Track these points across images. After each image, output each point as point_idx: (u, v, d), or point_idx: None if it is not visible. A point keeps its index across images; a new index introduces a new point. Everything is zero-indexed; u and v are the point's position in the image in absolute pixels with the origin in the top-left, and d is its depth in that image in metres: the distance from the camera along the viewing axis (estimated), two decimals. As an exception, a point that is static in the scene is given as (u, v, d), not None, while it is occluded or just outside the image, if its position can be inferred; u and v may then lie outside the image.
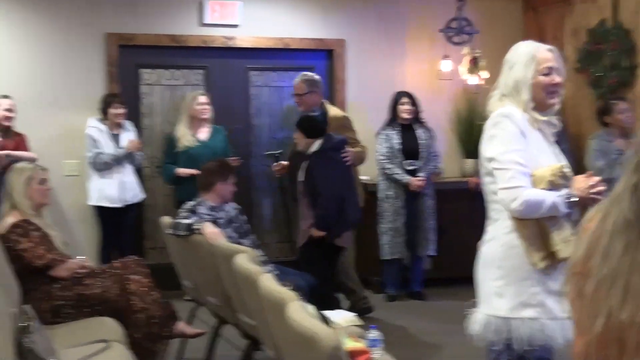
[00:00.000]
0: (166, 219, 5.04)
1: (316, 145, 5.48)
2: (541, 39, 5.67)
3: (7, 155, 5.85)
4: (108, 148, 6.31)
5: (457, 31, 7.32)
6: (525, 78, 3.00)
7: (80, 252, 5.94)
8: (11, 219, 4.45)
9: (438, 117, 7.53)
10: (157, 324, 4.32)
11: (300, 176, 5.52)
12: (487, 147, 3.01)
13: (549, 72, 3.01)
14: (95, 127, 6.34)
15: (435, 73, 7.56)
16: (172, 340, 4.54)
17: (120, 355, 3.75)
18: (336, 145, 5.59)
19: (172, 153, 6.54)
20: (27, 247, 4.35)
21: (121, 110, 6.39)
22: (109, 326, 4.16)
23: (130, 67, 6.89)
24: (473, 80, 7.36)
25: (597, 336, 1.33)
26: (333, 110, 6.30)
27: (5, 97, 6.20)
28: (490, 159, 2.97)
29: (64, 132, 6.67)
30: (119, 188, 6.33)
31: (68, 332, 4.11)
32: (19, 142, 6.24)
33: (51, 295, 4.33)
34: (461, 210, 7.07)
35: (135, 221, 6.68)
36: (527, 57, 3.03)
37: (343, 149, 5.64)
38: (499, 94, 3.09)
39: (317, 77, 6.35)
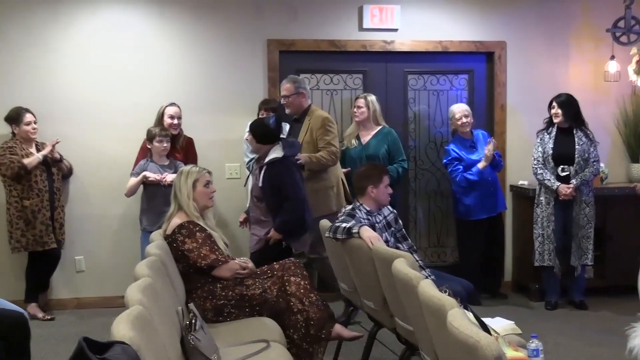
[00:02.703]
0: (325, 222, 5.08)
1: (278, 151, 5.49)
2: None
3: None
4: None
5: (625, 30, 7.00)
6: None
7: (241, 253, 6.13)
8: (177, 220, 4.61)
9: (603, 120, 7.26)
10: (314, 326, 4.36)
11: (257, 181, 5.52)
12: None
13: None
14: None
15: (600, 74, 7.27)
16: (329, 342, 4.57)
17: (280, 355, 3.81)
18: (294, 151, 5.67)
19: (341, 151, 6.63)
20: (192, 248, 4.50)
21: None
22: (269, 326, 4.24)
23: (291, 72, 7.00)
24: (641, 81, 7.04)
25: None
26: (318, 112, 6.21)
27: (172, 104, 6.45)
28: None
29: (226, 136, 6.87)
30: None
31: (229, 330, 4.22)
32: (188, 146, 6.47)
33: (214, 294, 4.45)
34: (627, 217, 6.79)
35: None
36: None
37: (297, 155, 5.73)
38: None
39: (301, 79, 6.32)
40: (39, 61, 6.68)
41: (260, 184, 5.51)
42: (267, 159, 5.49)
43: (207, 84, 6.93)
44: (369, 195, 4.91)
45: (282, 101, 6.23)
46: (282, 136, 5.78)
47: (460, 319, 2.55)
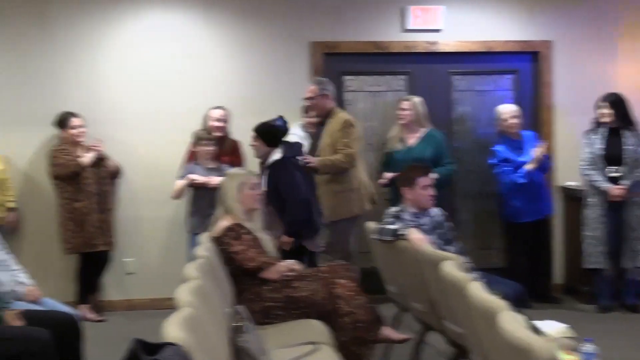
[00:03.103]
0: (371, 224, 5.07)
1: (277, 153, 5.51)
2: None
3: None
4: None
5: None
6: None
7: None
8: (225, 222, 4.65)
9: (654, 120, 7.15)
10: (363, 328, 4.36)
11: (263, 185, 5.44)
12: None
13: None
14: (296, 134, 6.49)
15: (650, 73, 7.17)
16: (377, 344, 4.56)
17: (329, 358, 3.81)
18: (295, 152, 5.66)
19: (384, 155, 6.60)
20: (239, 250, 4.52)
21: (315, 119, 6.48)
22: (317, 328, 4.24)
23: (334, 75, 7.01)
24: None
25: None
26: (340, 114, 6.13)
27: (218, 107, 6.49)
28: None
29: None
30: None
31: (278, 333, 4.23)
32: (234, 149, 6.50)
33: (262, 296, 4.47)
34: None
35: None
36: None
37: (300, 154, 5.72)
38: None
39: (327, 80, 6.24)
40: (87, 64, 6.79)
41: (264, 188, 5.51)
42: (268, 162, 5.56)
43: (251, 87, 6.96)
44: (407, 198, 4.91)
45: (306, 103, 6.21)
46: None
47: (512, 322, 2.53)
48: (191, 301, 3.04)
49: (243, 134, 6.65)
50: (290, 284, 4.52)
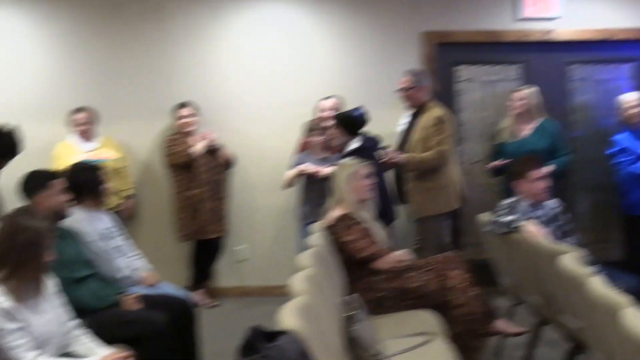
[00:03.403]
0: (485, 216, 5.00)
1: (355, 143, 5.58)
2: None
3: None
4: None
5: None
6: None
7: (400, 245, 6.09)
8: (336, 212, 4.66)
9: None
10: (476, 320, 4.29)
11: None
12: None
13: None
14: (402, 125, 6.44)
15: None
16: (490, 337, 4.49)
17: (442, 350, 3.77)
18: (372, 144, 5.70)
19: (494, 146, 6.49)
20: (350, 240, 4.53)
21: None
22: (430, 320, 4.21)
23: (446, 65, 6.93)
24: None
25: None
26: (434, 109, 5.87)
27: (329, 97, 6.51)
28: None
29: (381, 129, 6.85)
30: None
31: (390, 323, 4.22)
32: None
33: (374, 286, 4.47)
34: None
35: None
36: None
37: (376, 148, 5.73)
38: None
39: (424, 72, 6.05)
40: (201, 56, 6.93)
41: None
42: (346, 151, 5.58)
43: (362, 77, 6.95)
44: (519, 189, 4.81)
45: (400, 94, 6.04)
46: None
47: (636, 318, 2.44)
48: (305, 289, 3.06)
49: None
50: (403, 274, 4.50)
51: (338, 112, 5.86)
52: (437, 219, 5.88)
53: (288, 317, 2.62)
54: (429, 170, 5.78)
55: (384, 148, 6.03)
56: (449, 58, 6.97)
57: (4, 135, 4.84)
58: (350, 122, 5.74)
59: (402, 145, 5.96)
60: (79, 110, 6.54)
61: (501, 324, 4.42)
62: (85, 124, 6.52)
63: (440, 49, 6.96)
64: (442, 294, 4.38)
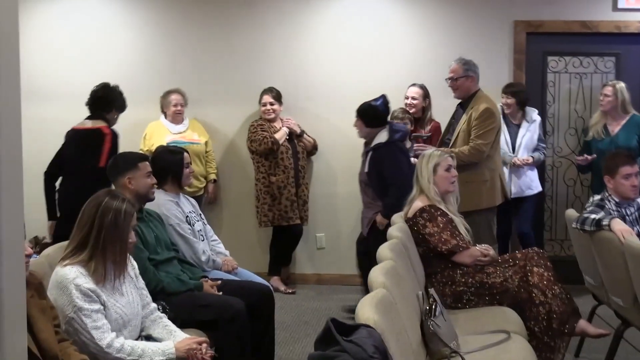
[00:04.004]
0: (571, 212, 4.86)
1: (383, 135, 5.55)
2: None
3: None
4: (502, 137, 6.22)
5: None
6: None
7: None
8: (419, 203, 4.60)
9: None
10: (557, 319, 4.18)
11: (364, 166, 5.53)
12: None
13: None
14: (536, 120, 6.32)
15: None
16: (571, 337, 4.37)
17: (521, 348, 3.69)
18: (401, 136, 5.66)
19: (584, 142, 6.32)
20: (433, 232, 4.47)
21: (509, 100, 6.27)
22: (510, 316, 4.13)
23: (537, 55, 6.77)
24: None
25: None
26: (483, 100, 5.58)
27: (413, 85, 6.42)
28: None
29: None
30: (508, 179, 6.18)
31: (469, 318, 4.15)
32: (435, 130, 6.36)
33: (454, 280, 4.40)
34: None
35: (534, 212, 6.52)
36: None
37: (405, 139, 5.77)
38: None
39: (472, 61, 5.72)
40: (289, 43, 6.95)
41: (366, 170, 5.55)
42: (372, 144, 5.52)
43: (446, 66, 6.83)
44: (609, 186, 4.66)
45: (449, 83, 5.77)
46: (389, 120, 5.77)
47: None
48: (384, 282, 3.03)
49: (445, 114, 6.54)
50: (484, 269, 4.42)
51: (361, 105, 5.74)
52: (475, 215, 5.47)
53: (366, 311, 2.60)
54: (468, 165, 5.48)
55: (418, 138, 6.02)
56: (540, 48, 6.82)
57: (119, 91, 5.61)
58: (370, 113, 5.64)
59: (446, 135, 5.83)
60: (170, 92, 6.64)
61: (583, 324, 4.29)
62: (176, 106, 6.61)
63: (531, 39, 6.82)
64: (523, 290, 4.28)
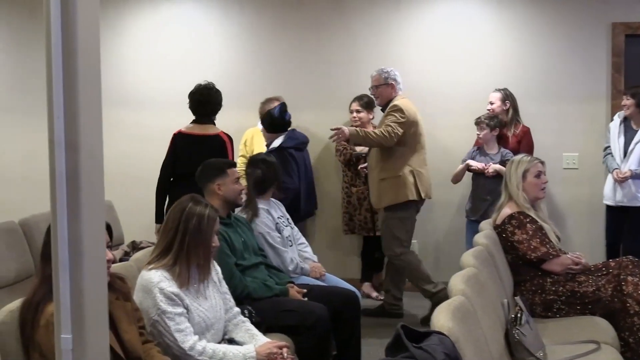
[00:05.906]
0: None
1: (277, 141, 5.88)
2: None
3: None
4: (614, 143, 6.05)
5: None
6: None
7: (575, 247, 5.85)
8: (508, 210, 4.53)
9: None
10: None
11: None
12: None
13: None
14: (612, 121, 6.13)
15: None
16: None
17: (612, 359, 3.58)
18: (296, 144, 6.03)
19: None
20: (522, 239, 4.39)
21: (628, 101, 6.03)
22: (601, 326, 4.02)
23: (637, 58, 6.57)
24: None
25: None
26: (397, 101, 5.77)
27: (497, 90, 6.28)
28: None
29: (563, 124, 6.61)
30: (613, 186, 6.04)
31: (558, 327, 4.06)
32: (524, 135, 6.20)
33: (543, 288, 4.32)
34: None
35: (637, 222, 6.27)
36: None
37: (303, 148, 6.20)
38: None
39: (393, 70, 5.91)
40: (379, 50, 6.92)
41: None
42: (270, 148, 5.88)
43: (544, 69, 6.69)
44: None
45: (371, 92, 6.01)
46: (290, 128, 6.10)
47: None
48: (464, 289, 3.00)
49: (537, 119, 6.42)
50: (575, 278, 4.32)
51: (264, 112, 6.14)
52: (393, 209, 5.80)
53: (441, 318, 2.58)
54: (382, 160, 5.77)
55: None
56: (639, 51, 6.60)
57: (217, 91, 5.69)
58: (272, 120, 5.98)
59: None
60: (271, 99, 6.71)
61: (679, 338, 4.14)
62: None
63: (630, 42, 6.60)
64: (617, 300, 4.16)
